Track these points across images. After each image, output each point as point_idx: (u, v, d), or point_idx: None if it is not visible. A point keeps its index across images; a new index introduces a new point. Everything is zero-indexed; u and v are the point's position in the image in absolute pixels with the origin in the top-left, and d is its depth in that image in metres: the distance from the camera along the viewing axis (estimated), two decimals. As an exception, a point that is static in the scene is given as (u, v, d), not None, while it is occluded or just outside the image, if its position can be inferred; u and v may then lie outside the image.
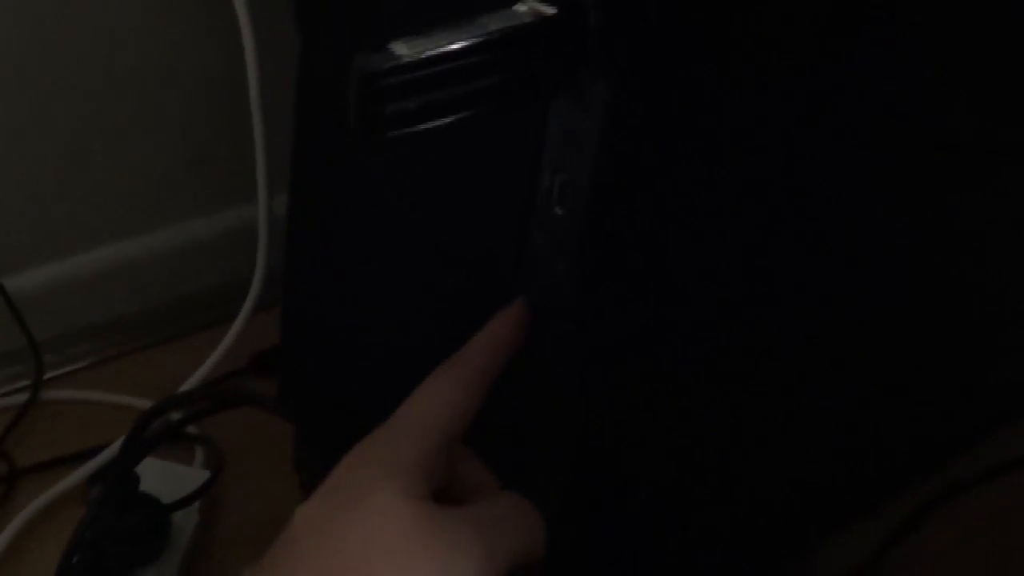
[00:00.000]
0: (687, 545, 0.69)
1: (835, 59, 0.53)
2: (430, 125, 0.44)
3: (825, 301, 0.64)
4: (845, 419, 0.72)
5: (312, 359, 0.77)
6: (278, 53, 0.75)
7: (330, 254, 0.72)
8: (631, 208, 0.50)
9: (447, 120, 0.44)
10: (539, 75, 0.45)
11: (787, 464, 0.71)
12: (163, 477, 0.78)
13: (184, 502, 0.76)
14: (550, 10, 0.44)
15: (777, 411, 0.67)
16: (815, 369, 0.67)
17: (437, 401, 0.49)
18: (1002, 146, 0.68)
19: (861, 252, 0.64)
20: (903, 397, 0.75)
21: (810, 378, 0.67)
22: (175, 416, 0.81)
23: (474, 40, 0.43)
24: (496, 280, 0.55)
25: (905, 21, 0.55)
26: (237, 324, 0.86)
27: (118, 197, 0.90)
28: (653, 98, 0.47)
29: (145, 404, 0.85)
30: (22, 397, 0.87)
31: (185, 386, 0.86)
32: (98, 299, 0.92)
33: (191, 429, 0.83)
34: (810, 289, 0.63)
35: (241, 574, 0.46)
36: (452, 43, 0.43)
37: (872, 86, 0.56)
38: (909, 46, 0.56)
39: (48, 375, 0.88)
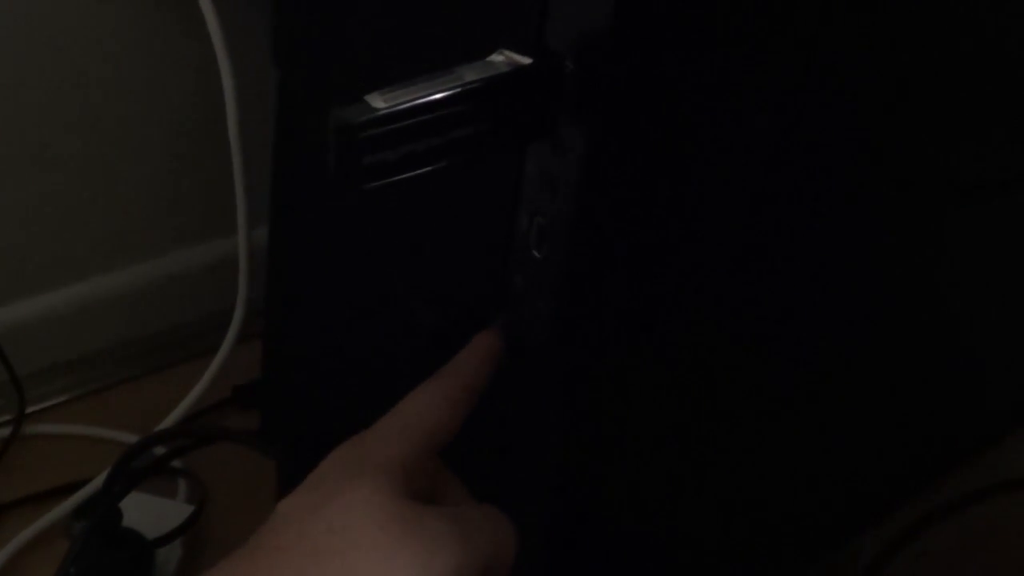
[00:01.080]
0: (676, 566, 0.70)
1: (816, 93, 0.54)
2: (408, 175, 0.44)
3: (812, 333, 0.65)
4: (838, 440, 0.72)
5: (294, 391, 0.77)
6: (256, 87, 0.76)
7: (311, 287, 0.72)
8: (609, 251, 0.50)
9: (425, 170, 0.44)
10: (516, 123, 0.46)
11: (781, 482, 0.71)
12: (146, 511, 0.78)
13: (168, 537, 0.76)
14: (526, 60, 0.45)
15: (768, 432, 0.67)
16: (805, 393, 0.67)
17: (422, 408, 0.50)
18: (996, 175, 0.69)
19: (850, 280, 0.64)
20: (895, 416, 0.76)
21: (800, 402, 0.68)
22: (159, 451, 0.81)
23: (451, 91, 0.43)
24: (477, 318, 0.55)
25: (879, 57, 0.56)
26: (219, 356, 0.86)
27: (99, 231, 0.90)
28: (629, 143, 0.48)
29: (128, 437, 0.85)
30: (4, 432, 0.86)
31: (168, 419, 0.86)
32: (79, 333, 0.92)
33: (174, 463, 0.82)
34: (797, 318, 0.63)
35: (222, 563, 0.46)
36: (429, 94, 0.43)
37: (855, 125, 0.57)
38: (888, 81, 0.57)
39: (30, 409, 0.88)
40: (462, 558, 0.45)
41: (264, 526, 0.47)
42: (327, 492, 0.47)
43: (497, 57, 0.45)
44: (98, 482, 0.80)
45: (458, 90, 0.43)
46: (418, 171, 0.44)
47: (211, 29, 0.77)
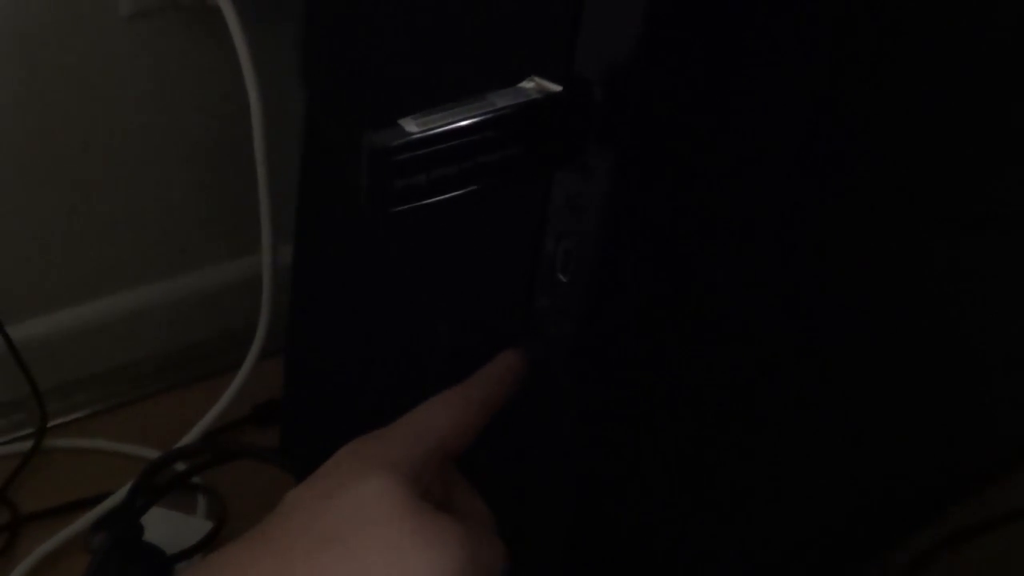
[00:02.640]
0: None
1: (831, 124, 0.54)
2: (439, 199, 0.45)
3: (833, 358, 0.65)
4: (850, 467, 0.73)
5: (314, 409, 0.78)
6: (283, 106, 0.76)
7: (334, 307, 0.73)
8: (634, 275, 0.51)
9: (456, 193, 0.45)
10: (545, 149, 0.46)
11: (792, 513, 0.72)
12: (166, 526, 0.78)
13: (188, 553, 0.76)
14: (556, 87, 0.45)
15: (780, 462, 0.67)
16: (818, 421, 0.68)
17: (434, 415, 0.51)
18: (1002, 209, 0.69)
19: (863, 309, 0.65)
20: (905, 447, 0.76)
21: (813, 430, 0.68)
22: (180, 466, 0.82)
23: (483, 116, 0.44)
24: (500, 339, 0.56)
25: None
26: (241, 373, 0.86)
27: (124, 247, 0.91)
28: (655, 169, 0.48)
29: (148, 453, 0.85)
30: (26, 445, 0.87)
31: (189, 435, 0.86)
32: (102, 348, 0.92)
33: (195, 479, 0.83)
34: (819, 343, 0.63)
35: (230, 545, 0.47)
36: (461, 120, 0.44)
37: (867, 156, 0.57)
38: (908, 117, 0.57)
39: (52, 423, 0.88)
40: (467, 562, 0.45)
41: (273, 513, 0.48)
42: (337, 484, 0.47)
43: (528, 84, 0.46)
44: (118, 496, 0.80)
45: (490, 116, 0.44)
46: (448, 195, 0.45)
47: (239, 49, 0.78)
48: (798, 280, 0.59)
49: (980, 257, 0.71)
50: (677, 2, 0.45)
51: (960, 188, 0.65)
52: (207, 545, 0.78)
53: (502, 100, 0.45)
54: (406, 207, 0.44)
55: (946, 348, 0.74)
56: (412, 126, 0.43)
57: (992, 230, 0.70)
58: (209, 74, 0.87)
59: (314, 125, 0.68)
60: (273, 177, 0.81)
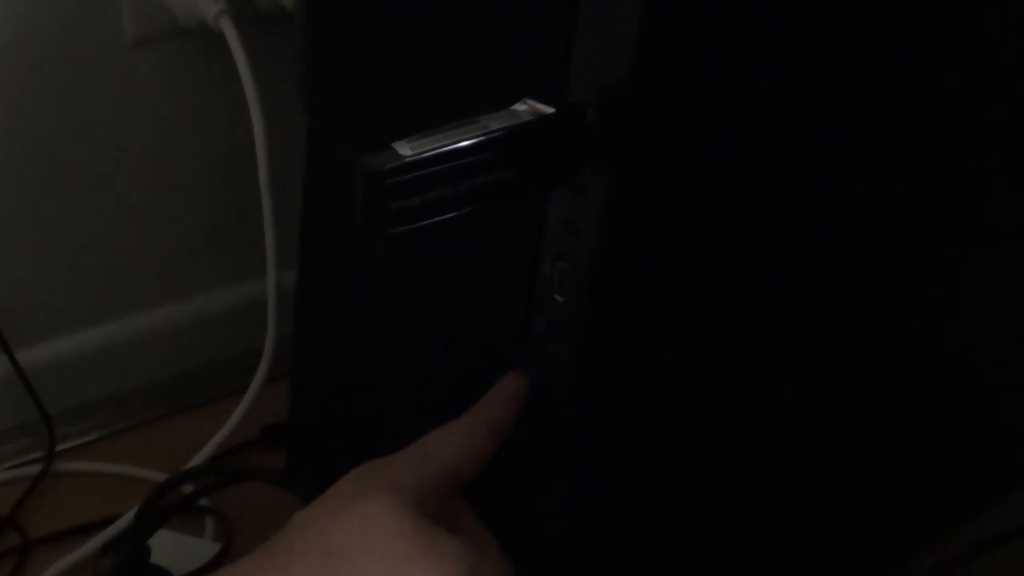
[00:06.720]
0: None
1: (824, 141, 0.55)
2: (434, 220, 0.45)
3: (836, 377, 0.65)
4: (858, 483, 0.73)
5: (321, 431, 0.78)
6: (286, 132, 0.77)
7: (338, 329, 0.73)
8: (630, 294, 0.51)
9: (450, 215, 0.45)
10: (539, 170, 0.47)
11: (803, 527, 0.72)
12: (174, 549, 0.78)
13: (195, 575, 0.77)
14: (548, 109, 0.46)
15: (789, 477, 0.67)
16: (825, 435, 0.68)
17: (445, 442, 0.52)
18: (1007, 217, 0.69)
19: (870, 328, 0.65)
20: (916, 461, 0.76)
21: (821, 445, 0.68)
22: (187, 489, 0.82)
23: (476, 139, 0.45)
24: (501, 361, 0.56)
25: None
26: (248, 396, 0.87)
27: (131, 272, 0.91)
28: (649, 189, 0.49)
29: (157, 476, 0.86)
30: (35, 468, 0.87)
31: (196, 458, 0.87)
32: (110, 372, 0.93)
33: (202, 501, 0.83)
34: (820, 358, 0.64)
35: (237, 562, 0.48)
36: (454, 142, 0.44)
37: (860, 167, 0.57)
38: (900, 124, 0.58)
39: (60, 447, 0.89)
40: None
41: (279, 534, 0.49)
42: (343, 503, 0.48)
43: (520, 106, 0.46)
44: (126, 519, 0.81)
45: (482, 138, 0.45)
46: (443, 217, 0.45)
47: (243, 75, 0.79)
48: (800, 294, 0.59)
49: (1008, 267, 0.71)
50: (669, 24, 0.46)
51: (971, 202, 0.65)
52: (214, 567, 0.78)
53: (495, 122, 0.45)
54: (401, 229, 0.45)
55: (961, 360, 0.74)
56: (405, 149, 0.44)
57: (1011, 242, 0.70)
58: (213, 99, 0.87)
59: (315, 151, 0.69)
60: (277, 201, 0.81)
